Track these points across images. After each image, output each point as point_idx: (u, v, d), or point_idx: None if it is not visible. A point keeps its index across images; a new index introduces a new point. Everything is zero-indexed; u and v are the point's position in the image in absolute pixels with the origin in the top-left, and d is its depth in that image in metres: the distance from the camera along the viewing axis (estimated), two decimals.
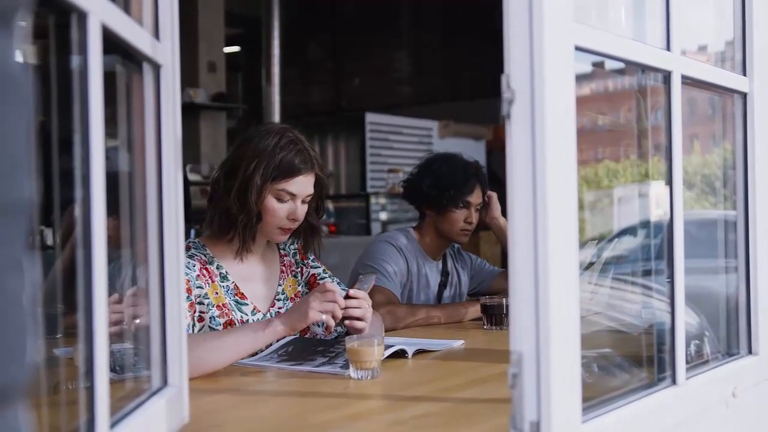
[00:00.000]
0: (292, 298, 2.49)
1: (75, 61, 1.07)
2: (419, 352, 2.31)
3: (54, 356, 1.41)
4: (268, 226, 2.37)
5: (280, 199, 2.33)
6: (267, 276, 2.47)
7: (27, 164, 0.64)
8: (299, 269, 2.57)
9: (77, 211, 1.06)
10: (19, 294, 0.63)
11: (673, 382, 1.62)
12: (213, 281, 2.32)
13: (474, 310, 2.98)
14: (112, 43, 1.18)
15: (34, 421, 0.69)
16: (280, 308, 2.44)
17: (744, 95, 1.95)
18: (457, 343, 2.49)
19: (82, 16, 1.05)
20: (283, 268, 2.52)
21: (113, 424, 1.16)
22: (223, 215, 2.34)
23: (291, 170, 2.31)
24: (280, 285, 2.49)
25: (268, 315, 2.40)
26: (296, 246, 2.59)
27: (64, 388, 1.37)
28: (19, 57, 0.64)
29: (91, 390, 1.06)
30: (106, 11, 1.12)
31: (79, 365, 1.44)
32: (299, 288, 2.54)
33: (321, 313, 2.14)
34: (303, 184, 2.35)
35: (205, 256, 2.35)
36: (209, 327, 2.26)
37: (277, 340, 2.24)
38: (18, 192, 0.62)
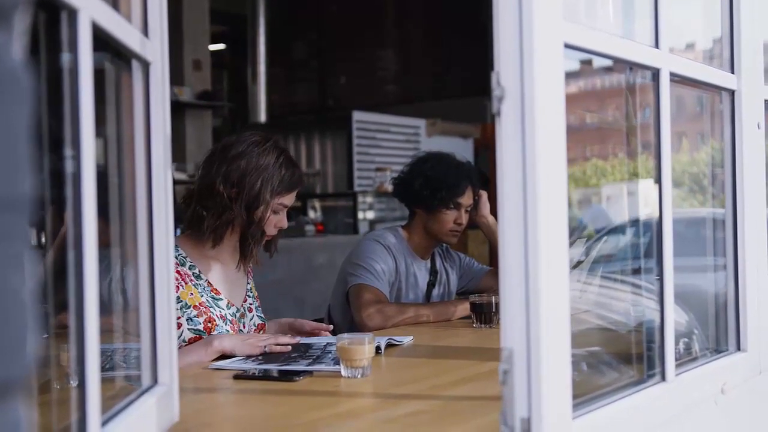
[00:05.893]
0: (257, 296, 2.65)
1: (65, 58, 1.06)
2: (389, 346, 2.36)
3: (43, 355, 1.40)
4: None
5: (275, 212, 2.46)
6: (237, 275, 2.56)
7: (27, 160, 0.64)
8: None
9: (68, 210, 1.05)
10: (21, 290, 0.63)
11: (663, 378, 1.62)
12: (187, 282, 2.40)
13: (463, 308, 2.99)
14: (101, 41, 1.17)
15: (32, 417, 0.69)
16: (250, 304, 2.59)
17: (732, 92, 1.96)
18: (407, 339, 2.52)
19: (73, 13, 1.05)
20: (249, 269, 2.64)
21: (104, 423, 1.16)
22: (224, 225, 2.42)
23: (292, 186, 2.48)
24: (249, 283, 2.62)
25: (242, 309, 2.54)
26: None
27: (53, 387, 1.36)
28: (18, 55, 0.64)
29: (82, 389, 1.06)
30: (96, 8, 1.11)
31: (66, 364, 1.43)
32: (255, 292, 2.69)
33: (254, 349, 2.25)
34: (294, 197, 2.53)
35: (176, 257, 2.39)
36: (187, 330, 2.31)
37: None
38: (20, 188, 0.63)
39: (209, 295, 2.43)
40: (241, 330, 2.49)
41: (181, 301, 2.35)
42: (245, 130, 2.62)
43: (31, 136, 0.65)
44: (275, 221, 2.47)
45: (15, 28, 0.63)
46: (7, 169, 0.61)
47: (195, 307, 2.37)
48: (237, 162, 2.40)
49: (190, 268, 2.43)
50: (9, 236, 0.62)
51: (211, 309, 2.40)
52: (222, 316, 2.42)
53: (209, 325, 2.37)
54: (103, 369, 1.16)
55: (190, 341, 2.33)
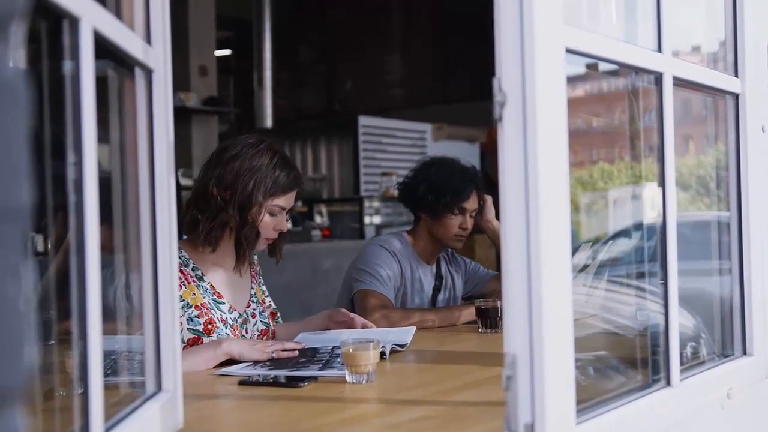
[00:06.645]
0: (261, 301, 2.63)
1: (67, 66, 1.07)
2: (393, 352, 2.36)
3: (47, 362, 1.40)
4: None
5: (271, 214, 2.46)
6: (240, 280, 2.57)
7: (24, 170, 0.64)
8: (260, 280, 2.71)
9: (71, 217, 1.06)
10: (17, 299, 0.63)
11: (668, 383, 1.62)
12: (189, 282, 2.41)
13: (468, 313, 2.98)
14: (104, 48, 1.18)
15: (30, 426, 0.69)
16: (254, 309, 2.57)
17: (736, 96, 1.95)
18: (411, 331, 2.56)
19: (74, 22, 1.05)
20: (254, 274, 2.65)
21: (107, 429, 1.16)
22: (219, 228, 2.41)
23: (287, 188, 2.46)
24: (252, 288, 2.62)
25: (245, 314, 2.53)
26: (256, 258, 2.73)
27: (58, 394, 1.37)
28: (14, 63, 0.64)
29: (85, 395, 1.06)
30: (97, 16, 1.11)
31: (70, 371, 1.44)
32: (263, 295, 2.68)
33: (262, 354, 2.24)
34: (292, 199, 2.51)
35: (180, 258, 2.40)
36: (187, 329, 2.32)
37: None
38: (15, 197, 0.63)
39: (211, 297, 2.43)
40: (243, 335, 2.49)
41: (183, 300, 2.36)
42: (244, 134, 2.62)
43: (30, 145, 0.65)
44: (273, 224, 2.46)
45: (12, 37, 0.63)
46: (4, 178, 0.61)
47: (196, 307, 2.38)
48: (231, 164, 2.41)
49: (193, 270, 2.43)
50: (6, 245, 0.62)
51: (212, 311, 2.41)
52: (222, 320, 2.42)
53: (209, 326, 2.37)
54: (105, 374, 1.16)
55: (189, 342, 2.33)
